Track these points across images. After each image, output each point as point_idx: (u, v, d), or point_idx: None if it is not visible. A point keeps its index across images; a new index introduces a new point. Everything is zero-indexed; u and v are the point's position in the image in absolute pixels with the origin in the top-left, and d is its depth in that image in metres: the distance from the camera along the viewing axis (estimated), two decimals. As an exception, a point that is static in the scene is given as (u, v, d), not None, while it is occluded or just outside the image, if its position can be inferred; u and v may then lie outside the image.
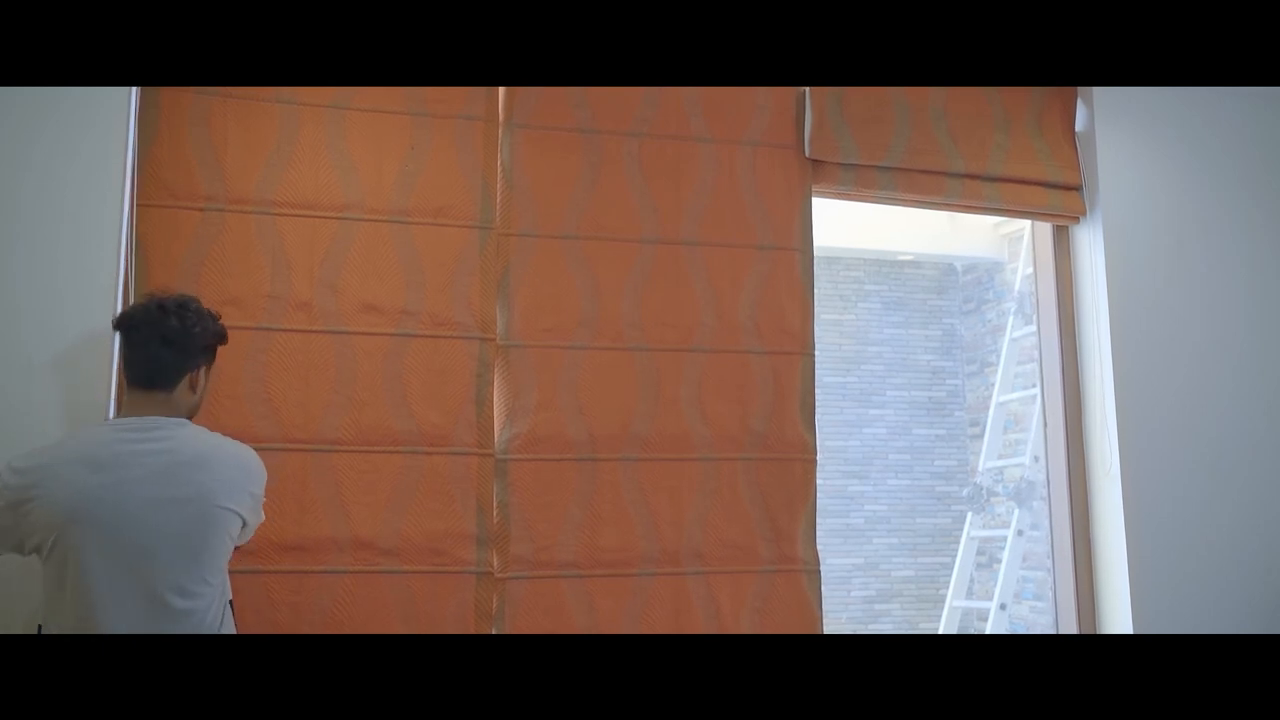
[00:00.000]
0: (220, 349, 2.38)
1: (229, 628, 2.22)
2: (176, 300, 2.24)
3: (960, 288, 9.31)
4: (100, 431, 2.17)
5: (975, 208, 3.60)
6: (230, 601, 2.25)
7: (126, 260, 2.70)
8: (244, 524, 2.24)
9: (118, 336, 2.25)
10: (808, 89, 3.33)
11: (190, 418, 2.25)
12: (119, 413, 2.28)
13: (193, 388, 2.25)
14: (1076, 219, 3.62)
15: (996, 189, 3.50)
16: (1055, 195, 3.57)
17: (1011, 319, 6.47)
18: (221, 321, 2.35)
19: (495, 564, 2.87)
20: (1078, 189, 3.60)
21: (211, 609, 2.15)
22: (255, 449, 2.71)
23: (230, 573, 2.66)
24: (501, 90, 3.08)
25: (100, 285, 2.64)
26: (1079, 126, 3.63)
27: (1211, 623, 3.37)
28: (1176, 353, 3.54)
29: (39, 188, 2.64)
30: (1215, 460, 3.51)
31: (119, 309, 2.65)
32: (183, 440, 2.17)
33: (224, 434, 2.58)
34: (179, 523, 2.10)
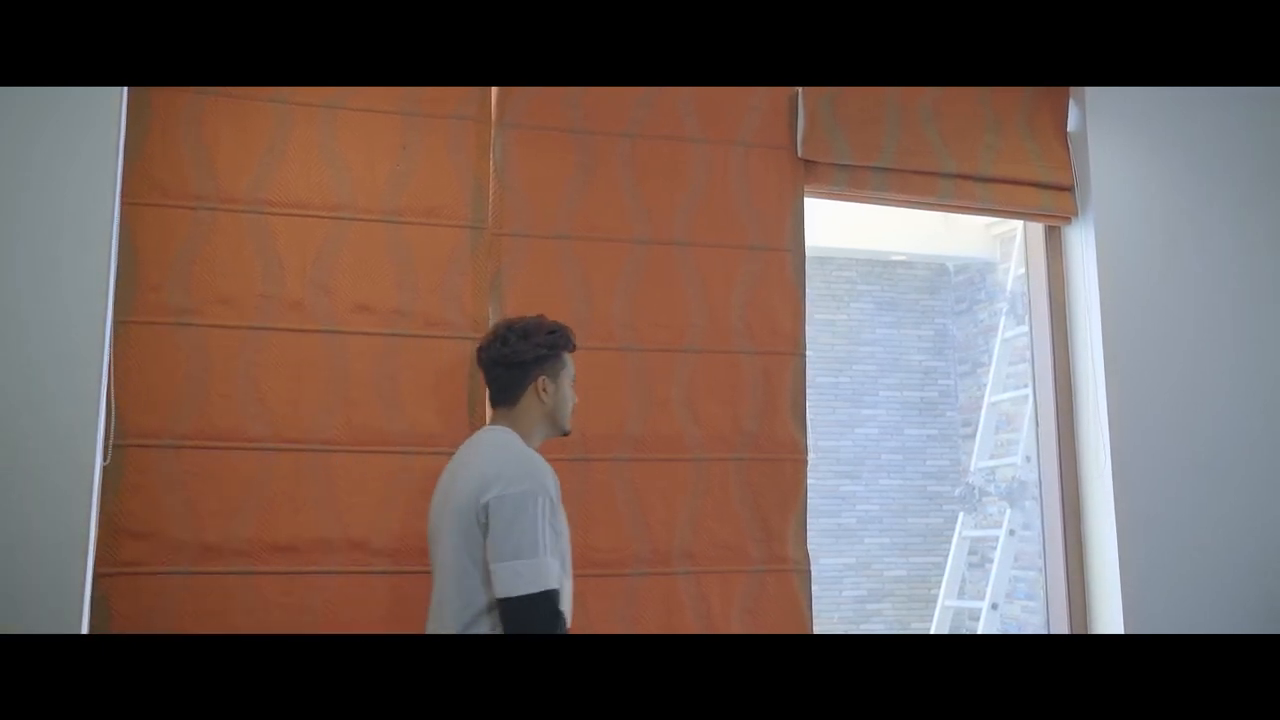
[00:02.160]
0: (214, 348, 2.47)
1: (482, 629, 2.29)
2: (507, 324, 2.51)
3: (952, 288, 9.32)
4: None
5: (967, 208, 3.61)
6: (507, 601, 2.24)
7: (118, 259, 2.70)
8: (487, 530, 2.27)
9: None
10: (800, 90, 3.33)
11: (554, 420, 2.51)
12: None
13: (540, 396, 2.48)
14: (1068, 219, 3.63)
15: (988, 189, 3.51)
16: (1047, 195, 3.58)
17: (1003, 319, 6.49)
18: (544, 330, 2.52)
19: (487, 564, 2.87)
20: (1069, 189, 3.61)
21: (473, 613, 2.28)
22: (247, 449, 2.72)
23: (222, 574, 2.67)
24: (494, 90, 3.08)
25: (91, 284, 2.63)
26: (1070, 127, 3.64)
27: (1203, 623, 3.38)
28: (1168, 352, 3.54)
29: (29, 187, 2.63)
30: (1207, 460, 3.52)
31: (110, 307, 2.66)
32: (471, 447, 2.44)
33: (216, 433, 2.58)
34: (448, 524, 2.35)
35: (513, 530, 2.24)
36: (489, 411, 2.57)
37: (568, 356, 2.55)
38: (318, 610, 2.72)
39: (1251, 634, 3.33)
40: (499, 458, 2.34)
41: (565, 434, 2.57)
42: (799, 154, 3.30)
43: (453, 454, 2.49)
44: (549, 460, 2.43)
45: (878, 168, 3.38)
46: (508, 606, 2.22)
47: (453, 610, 2.30)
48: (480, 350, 2.51)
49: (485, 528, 2.27)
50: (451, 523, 2.33)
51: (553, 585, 2.23)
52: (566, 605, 2.34)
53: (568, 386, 2.53)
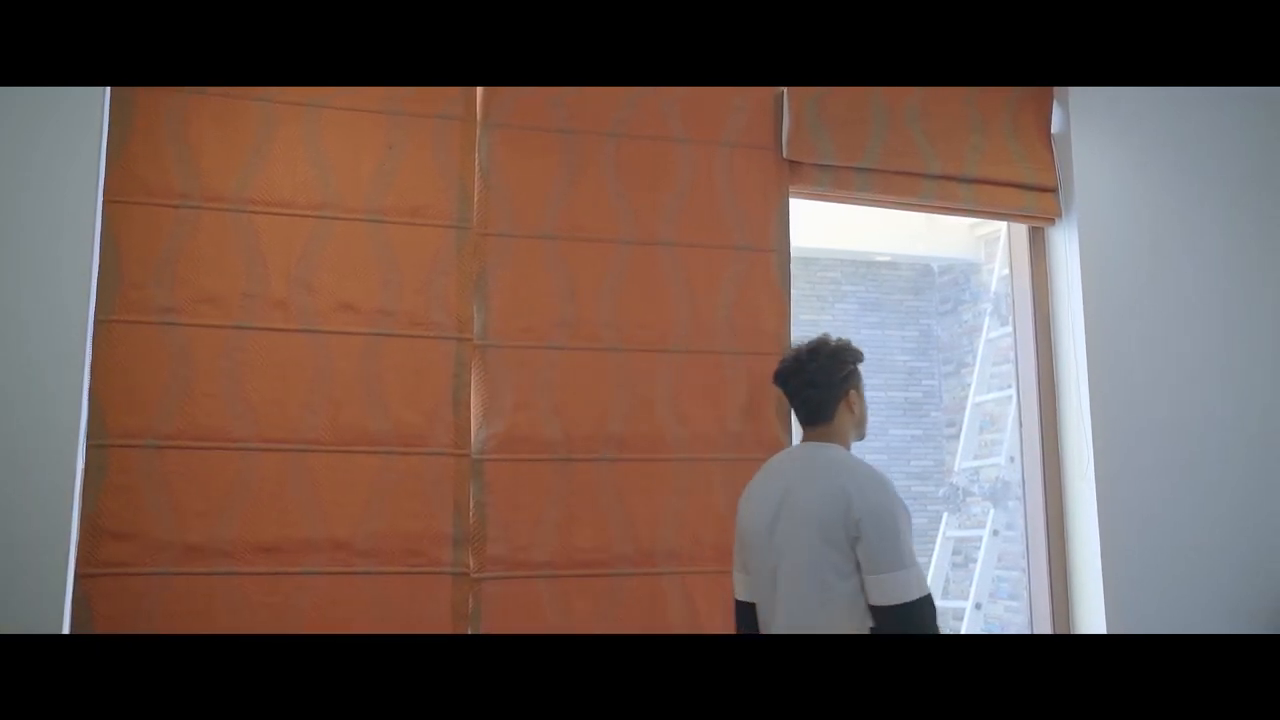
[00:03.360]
0: (197, 347, 2.58)
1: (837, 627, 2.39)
2: (809, 347, 2.60)
3: (937, 289, 9.35)
4: (776, 456, 2.62)
5: (951, 209, 3.62)
6: (896, 608, 2.34)
7: (101, 257, 2.69)
8: (857, 544, 2.36)
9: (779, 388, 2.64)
10: (785, 90, 3.33)
11: (860, 429, 2.62)
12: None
13: (850, 409, 2.57)
14: (1052, 220, 3.64)
15: (972, 190, 3.52)
16: (1030, 197, 3.59)
17: (988, 320, 6.51)
18: (847, 348, 2.65)
19: (471, 564, 2.87)
20: (1053, 191, 3.62)
21: (827, 614, 2.36)
22: (230, 448, 2.71)
23: (209, 574, 2.66)
24: (479, 90, 3.07)
25: (74, 282, 2.63)
26: (1054, 129, 3.65)
27: (1185, 622, 3.40)
28: (1151, 354, 3.56)
29: (12, 185, 2.62)
30: (1189, 460, 3.54)
31: (92, 306, 2.65)
32: (806, 463, 2.51)
33: (199, 433, 2.59)
34: (799, 539, 2.41)
35: (892, 542, 2.35)
36: (797, 430, 2.63)
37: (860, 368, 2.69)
38: (301, 610, 2.71)
39: (1233, 634, 3.35)
40: (855, 474, 2.44)
41: (861, 439, 2.68)
42: (784, 154, 3.30)
43: (438, 454, 2.49)
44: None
45: (862, 168, 3.39)
46: (897, 613, 2.32)
47: (819, 621, 2.38)
48: (787, 376, 2.60)
49: (855, 541, 2.35)
50: (806, 537, 2.40)
51: (928, 590, 2.37)
52: None
53: (864, 396, 2.65)
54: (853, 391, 2.59)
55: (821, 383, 2.55)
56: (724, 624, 3.04)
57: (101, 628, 2.58)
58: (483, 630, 2.84)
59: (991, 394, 6.42)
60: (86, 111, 2.69)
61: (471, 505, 2.89)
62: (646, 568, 3.00)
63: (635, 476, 3.03)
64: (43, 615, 2.50)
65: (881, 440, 9.04)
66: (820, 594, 2.38)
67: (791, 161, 3.32)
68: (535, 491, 2.94)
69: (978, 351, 6.62)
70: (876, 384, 9.05)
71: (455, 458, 2.89)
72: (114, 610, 2.59)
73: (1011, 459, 5.98)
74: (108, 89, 2.74)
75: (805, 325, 8.74)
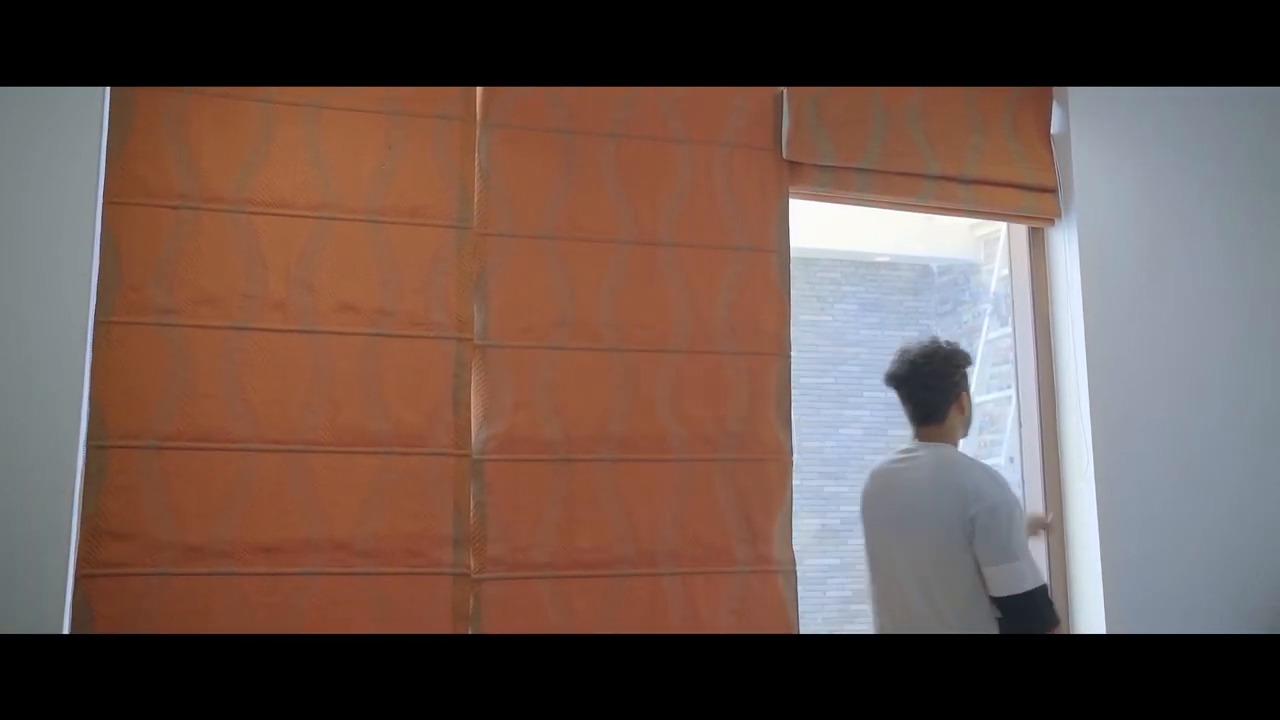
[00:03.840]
0: (197, 348, 2.64)
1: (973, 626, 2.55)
2: (922, 350, 2.71)
3: (936, 289, 9.35)
4: (889, 455, 2.77)
5: (951, 209, 3.62)
6: (1015, 598, 2.51)
7: (101, 258, 2.69)
8: (973, 539, 2.51)
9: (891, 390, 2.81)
10: (785, 91, 3.33)
11: (967, 427, 2.75)
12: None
13: (961, 410, 2.72)
14: (1051, 221, 3.64)
15: (972, 191, 3.52)
16: (1030, 197, 3.59)
17: (987, 320, 6.51)
18: (959, 351, 2.79)
19: (472, 565, 2.87)
20: (1053, 191, 3.62)
21: (975, 614, 2.52)
22: (229, 449, 2.71)
23: (204, 575, 2.66)
24: (479, 90, 3.07)
25: (74, 283, 2.62)
26: (1054, 129, 3.65)
27: (1184, 623, 3.39)
28: (1151, 354, 3.56)
29: (11, 186, 2.62)
30: (1189, 461, 3.53)
31: (93, 306, 2.65)
32: (922, 463, 2.64)
33: (198, 434, 2.61)
34: (923, 537, 2.54)
35: (1004, 536, 2.49)
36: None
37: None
38: (301, 611, 2.70)
39: (1233, 634, 3.35)
40: (972, 473, 2.58)
41: (966, 436, 2.78)
42: (784, 155, 3.30)
43: (438, 454, 2.50)
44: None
45: (862, 169, 3.39)
46: (1016, 602, 2.48)
47: (945, 615, 2.53)
48: (902, 380, 2.72)
49: (971, 536, 2.50)
50: (930, 535, 2.53)
51: (1043, 580, 2.53)
52: None
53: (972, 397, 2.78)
54: (964, 394, 2.71)
55: (936, 386, 2.67)
56: (725, 625, 3.04)
57: (101, 628, 2.57)
58: (483, 631, 2.84)
59: (991, 394, 6.42)
60: (86, 111, 2.69)
61: (472, 506, 2.89)
62: (647, 568, 3.00)
63: (636, 477, 3.03)
64: (43, 615, 2.50)
65: (881, 441, 9.03)
66: (944, 589, 2.50)
67: (791, 162, 3.32)
68: (536, 492, 2.94)
69: (977, 352, 6.63)
70: (876, 384, 9.03)
71: (455, 458, 2.89)
72: (114, 610, 2.59)
73: (1011, 459, 5.98)
74: (108, 89, 2.74)
75: (805, 326, 8.79)
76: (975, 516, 2.48)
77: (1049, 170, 3.61)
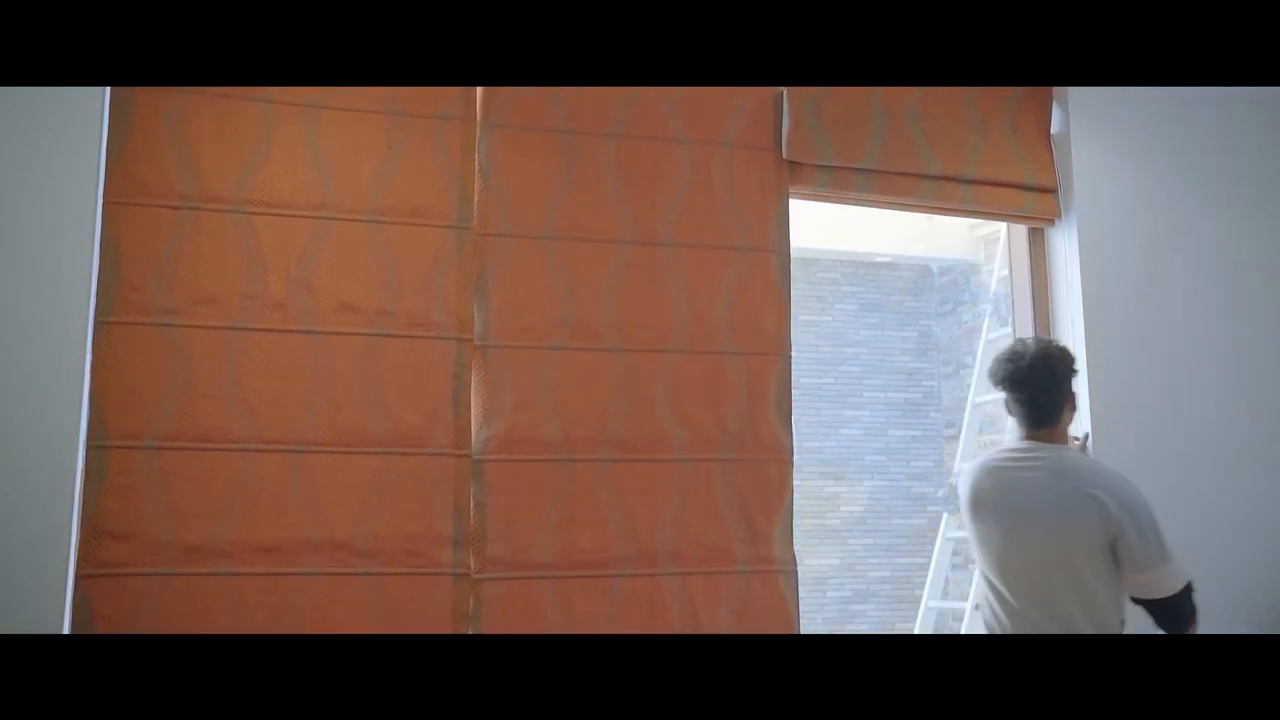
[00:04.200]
0: (197, 348, 2.69)
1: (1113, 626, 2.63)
2: (1038, 354, 2.71)
3: (936, 289, 9.35)
4: (1000, 454, 2.76)
5: (951, 210, 3.62)
6: (1167, 600, 2.59)
7: (100, 258, 2.69)
8: (1120, 534, 2.56)
9: (995, 386, 2.81)
10: (785, 91, 3.33)
11: (1070, 428, 2.79)
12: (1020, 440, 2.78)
13: (1070, 409, 2.74)
14: (1051, 221, 3.64)
15: (971, 191, 3.52)
16: (1030, 198, 3.59)
17: (987, 320, 6.50)
18: (1068, 350, 2.81)
19: (472, 565, 2.87)
20: (1052, 191, 3.62)
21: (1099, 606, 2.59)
22: (229, 449, 2.71)
23: (204, 575, 2.66)
24: (479, 90, 3.07)
25: (74, 283, 2.63)
26: (1054, 129, 3.65)
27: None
28: (1151, 355, 3.56)
29: (11, 186, 2.62)
30: (1189, 462, 3.53)
31: (93, 306, 2.65)
32: (1046, 465, 2.65)
33: (198, 434, 2.62)
34: (1055, 540, 2.57)
35: (1154, 541, 2.55)
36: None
37: None
38: (301, 611, 2.70)
39: (1230, 634, 3.35)
40: (1107, 477, 2.64)
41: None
42: (784, 155, 3.30)
43: (438, 454, 2.50)
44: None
45: (862, 169, 3.38)
46: (1163, 605, 2.55)
47: (1080, 614, 2.56)
48: (1020, 383, 2.71)
49: (1114, 541, 2.55)
50: (1065, 538, 2.56)
51: (1189, 577, 2.57)
52: None
53: None
54: (1074, 394, 2.74)
55: (1055, 387, 2.69)
56: (726, 625, 3.04)
57: (101, 628, 2.57)
58: (483, 632, 2.84)
59: (991, 395, 6.40)
60: (86, 112, 2.69)
61: (472, 506, 2.89)
62: (647, 568, 3.00)
63: (636, 477, 3.02)
64: (43, 615, 2.50)
65: (881, 440, 9.04)
66: (1075, 591, 2.54)
67: (791, 162, 3.32)
68: (536, 492, 2.94)
69: (977, 352, 6.61)
70: (875, 385, 9.06)
71: (455, 458, 2.89)
72: (114, 611, 2.59)
73: (1011, 460, 5.98)
74: (107, 89, 2.74)
75: (805, 326, 8.79)
76: (1121, 523, 2.54)
77: (1049, 170, 3.61)
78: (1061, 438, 2.73)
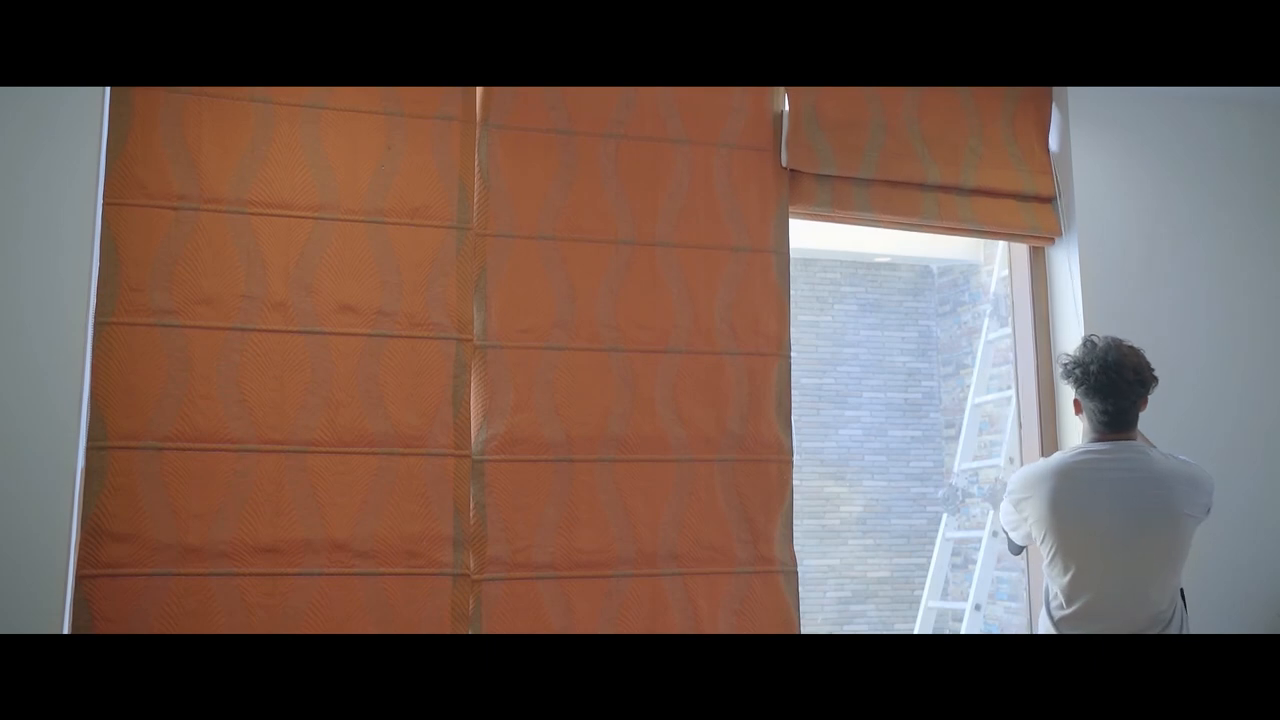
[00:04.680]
0: (196, 349, 2.72)
1: (1180, 611, 2.71)
2: (1128, 365, 2.73)
3: (936, 290, 9.35)
4: (1075, 455, 2.77)
5: (953, 229, 3.61)
6: (1181, 589, 2.73)
7: (100, 259, 2.69)
8: (1190, 538, 2.71)
9: (1072, 386, 2.82)
10: (784, 91, 3.34)
11: None
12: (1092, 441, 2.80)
13: (1144, 407, 2.78)
14: (1052, 240, 3.65)
15: (970, 205, 3.50)
16: (1030, 211, 3.58)
17: (987, 321, 6.50)
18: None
19: (471, 566, 2.87)
20: (1051, 200, 3.62)
21: (1176, 595, 2.70)
22: (228, 450, 2.71)
23: (203, 575, 2.66)
24: (478, 90, 3.07)
25: (73, 284, 2.63)
26: (1053, 146, 3.65)
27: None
28: (1150, 356, 3.55)
29: (9, 186, 2.62)
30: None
31: (91, 308, 2.65)
32: (1148, 460, 2.72)
33: (197, 435, 2.62)
34: (1157, 531, 2.66)
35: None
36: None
37: None
38: (300, 612, 2.70)
39: (1227, 634, 3.35)
40: (1192, 467, 2.76)
41: None
42: (783, 162, 3.29)
43: (438, 454, 2.49)
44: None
45: (861, 179, 3.38)
46: None
47: (1155, 607, 2.66)
48: (1108, 390, 2.72)
49: (1202, 517, 2.72)
50: (1166, 528, 2.66)
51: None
52: None
53: None
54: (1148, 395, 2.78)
55: (1138, 393, 2.75)
56: (726, 625, 3.04)
57: (101, 628, 2.57)
58: (483, 632, 2.84)
59: (990, 395, 6.41)
60: (86, 112, 2.69)
61: (471, 506, 2.89)
62: (647, 569, 3.00)
63: (635, 477, 3.03)
64: (43, 615, 2.50)
65: (880, 441, 9.04)
66: (1164, 582, 2.66)
67: (792, 170, 3.32)
68: (535, 492, 2.94)
69: (977, 353, 6.61)
70: (876, 385, 9.06)
71: (455, 459, 2.89)
72: (113, 611, 2.59)
73: (1011, 460, 5.98)
74: (107, 89, 2.74)
75: (805, 326, 8.79)
76: (1208, 506, 2.72)
77: (1048, 176, 3.61)
78: (1138, 435, 2.79)
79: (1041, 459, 2.90)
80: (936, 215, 3.47)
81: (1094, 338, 2.83)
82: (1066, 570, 2.71)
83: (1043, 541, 2.76)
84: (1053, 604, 2.76)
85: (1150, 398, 3.50)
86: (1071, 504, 2.70)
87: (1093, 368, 2.73)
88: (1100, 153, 3.64)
